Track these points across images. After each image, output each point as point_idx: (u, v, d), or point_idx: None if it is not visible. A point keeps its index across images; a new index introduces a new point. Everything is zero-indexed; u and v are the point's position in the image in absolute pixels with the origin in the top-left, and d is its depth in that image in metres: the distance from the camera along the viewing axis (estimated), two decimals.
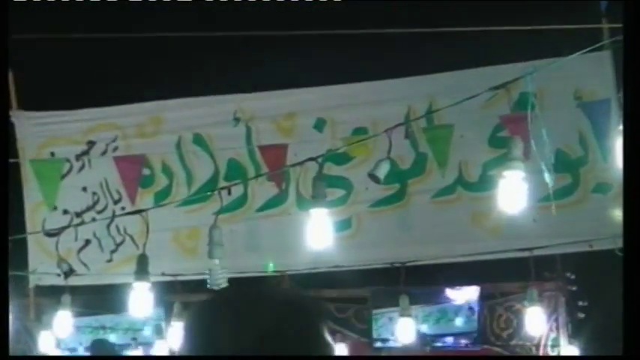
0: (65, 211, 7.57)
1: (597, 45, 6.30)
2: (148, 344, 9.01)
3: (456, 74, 7.20)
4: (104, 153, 7.62)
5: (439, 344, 8.75)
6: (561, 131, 6.84)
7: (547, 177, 5.91)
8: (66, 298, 7.49)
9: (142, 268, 6.41)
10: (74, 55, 8.42)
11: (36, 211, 7.63)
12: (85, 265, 7.60)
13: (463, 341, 8.86)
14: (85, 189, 7.64)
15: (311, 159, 6.15)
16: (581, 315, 8.61)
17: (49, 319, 7.62)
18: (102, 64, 8.73)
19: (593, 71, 6.92)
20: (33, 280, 7.80)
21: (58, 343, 8.26)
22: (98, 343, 9.25)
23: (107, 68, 8.60)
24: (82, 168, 7.62)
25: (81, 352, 9.43)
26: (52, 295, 7.82)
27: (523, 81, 6.03)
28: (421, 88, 7.32)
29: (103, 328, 9.44)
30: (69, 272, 7.15)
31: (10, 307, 7.12)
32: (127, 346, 9.33)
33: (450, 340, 8.84)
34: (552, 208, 6.68)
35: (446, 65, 7.38)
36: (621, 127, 5.60)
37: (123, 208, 7.31)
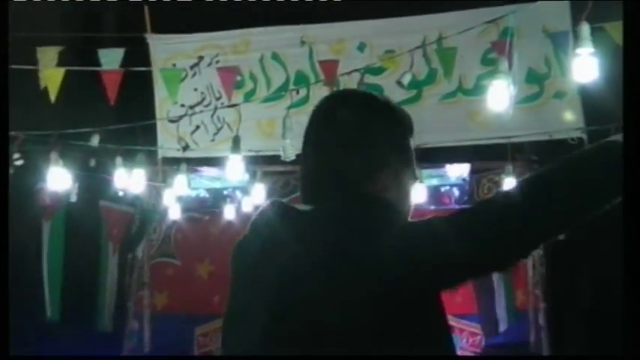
0: (182, 105, 7.60)
1: None
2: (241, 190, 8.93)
3: (459, 13, 7.08)
4: (209, 65, 7.54)
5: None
6: (532, 54, 6.92)
7: (511, 88, 5.93)
8: (183, 166, 7.72)
9: (235, 146, 6.71)
10: None
11: (163, 105, 7.62)
12: (196, 143, 7.69)
13: (455, 190, 8.84)
14: (196, 89, 7.62)
15: (355, 70, 6.48)
16: None
17: (172, 181, 7.94)
18: None
19: (556, 11, 6.80)
20: (160, 153, 7.83)
21: (179, 198, 8.39)
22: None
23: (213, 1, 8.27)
24: (194, 75, 7.60)
25: (201, 193, 9.40)
26: (174, 163, 7.98)
27: (507, 18, 6.21)
28: (434, 22, 7.18)
29: (215, 179, 9.09)
30: (185, 147, 7.55)
31: (143, 174, 7.57)
32: (228, 191, 9.28)
33: (446, 189, 8.75)
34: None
35: (452, 6, 7.19)
36: (577, 51, 5.44)
37: (222, 103, 7.34)
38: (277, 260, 1.72)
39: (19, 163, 7.40)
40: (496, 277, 8.13)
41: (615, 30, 5.89)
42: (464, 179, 8.79)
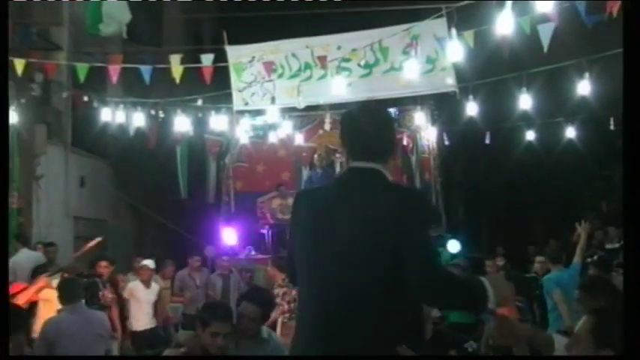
0: (244, 82, 7.77)
1: (440, 14, 6.79)
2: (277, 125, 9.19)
3: (389, 28, 7.25)
4: (258, 60, 7.71)
5: None
6: (428, 48, 7.34)
7: (415, 68, 6.60)
8: (246, 114, 8.73)
9: (273, 102, 7.64)
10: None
11: (234, 82, 7.78)
12: (253, 102, 7.89)
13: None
14: (252, 73, 7.78)
15: (335, 59, 7.37)
16: (436, 119, 8.94)
17: (239, 123, 8.92)
18: (256, 22, 8.14)
19: (440, 25, 6.98)
20: (235, 107, 7.98)
21: (247, 129, 9.05)
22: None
23: (258, 24, 8.09)
24: (251, 66, 7.73)
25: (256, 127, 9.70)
26: (240, 113, 8.53)
27: (413, 29, 7.11)
28: (376, 33, 7.30)
29: (264, 120, 9.22)
30: (246, 104, 7.94)
31: (226, 119, 8.35)
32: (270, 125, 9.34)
33: None
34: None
35: (384, 24, 7.29)
36: (450, 44, 6.21)
37: (266, 81, 7.64)
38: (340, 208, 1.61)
39: (162, 116, 8.68)
40: (414, 166, 9.20)
41: (468, 36, 6.98)
42: (394, 114, 9.25)
